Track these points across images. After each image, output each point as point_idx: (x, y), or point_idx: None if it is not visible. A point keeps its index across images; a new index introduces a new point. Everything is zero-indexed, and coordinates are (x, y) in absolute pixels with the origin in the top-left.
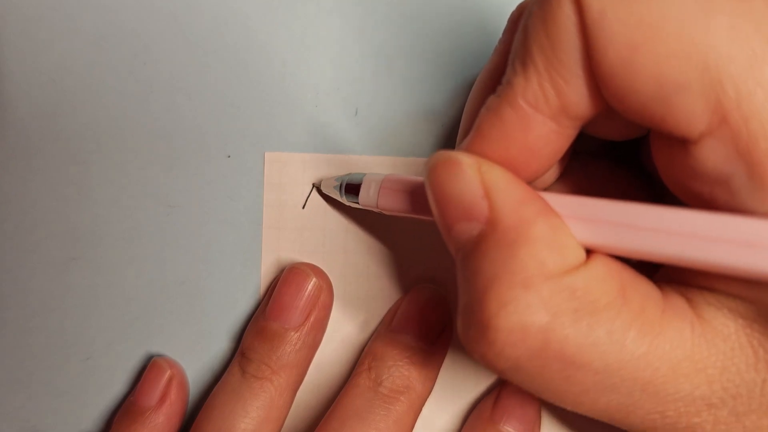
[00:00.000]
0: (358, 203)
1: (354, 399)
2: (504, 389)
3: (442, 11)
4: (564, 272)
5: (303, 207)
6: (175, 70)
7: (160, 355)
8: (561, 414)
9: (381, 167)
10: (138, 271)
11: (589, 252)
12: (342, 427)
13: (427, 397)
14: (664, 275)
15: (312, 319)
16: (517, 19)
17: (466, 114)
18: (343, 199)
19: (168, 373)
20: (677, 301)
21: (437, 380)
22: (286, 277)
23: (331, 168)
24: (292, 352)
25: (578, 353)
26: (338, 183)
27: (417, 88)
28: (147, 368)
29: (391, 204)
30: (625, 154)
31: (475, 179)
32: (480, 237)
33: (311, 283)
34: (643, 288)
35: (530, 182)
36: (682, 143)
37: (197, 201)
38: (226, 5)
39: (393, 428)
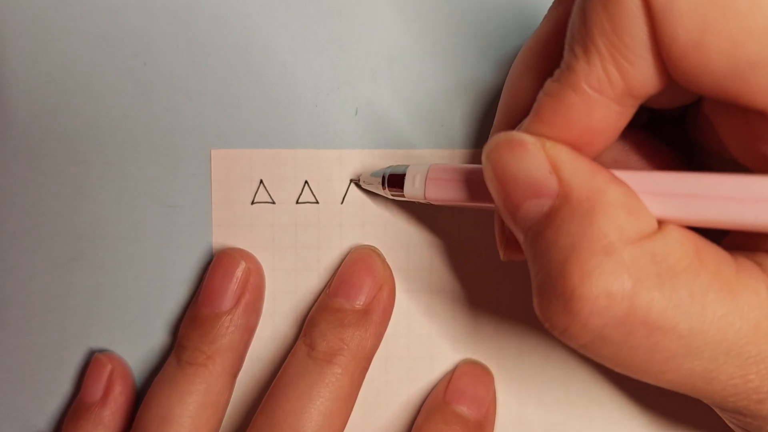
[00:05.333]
0: (402, 196)
1: (289, 367)
2: (456, 371)
3: (443, 11)
4: (643, 237)
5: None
6: (175, 70)
7: (102, 350)
8: (517, 395)
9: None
10: (138, 271)
11: (660, 222)
12: (278, 395)
13: (366, 359)
14: (730, 243)
15: (243, 302)
16: None
17: (508, 91)
18: (386, 192)
19: (109, 368)
20: (748, 264)
21: (393, 367)
22: (214, 264)
23: (278, 163)
24: (225, 336)
25: (663, 317)
26: (379, 176)
27: (417, 88)
28: (89, 365)
29: (440, 193)
30: (660, 123)
31: (541, 156)
32: (552, 211)
33: (240, 267)
34: (715, 251)
35: None
36: (758, 114)
37: (197, 201)
38: (226, 5)
39: (325, 391)
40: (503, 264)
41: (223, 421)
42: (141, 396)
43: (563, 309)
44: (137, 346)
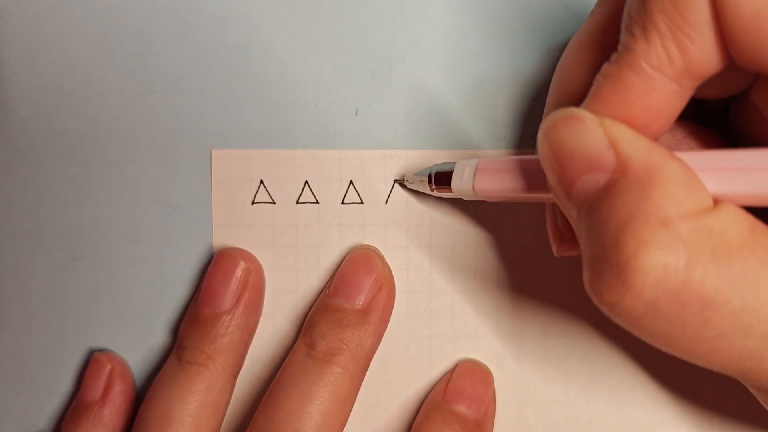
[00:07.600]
0: (449, 192)
1: (289, 367)
2: (456, 371)
3: (443, 11)
4: (700, 213)
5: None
6: (175, 70)
7: (102, 350)
8: (516, 395)
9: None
10: (138, 271)
11: (716, 201)
12: (278, 395)
13: (366, 359)
14: None
15: (243, 301)
16: None
17: (558, 83)
18: (433, 191)
19: (108, 367)
20: None
21: (393, 368)
22: (214, 264)
23: (278, 163)
24: (225, 335)
25: (717, 292)
26: (425, 175)
27: (417, 88)
28: (89, 364)
29: (490, 185)
30: (704, 115)
31: (599, 130)
32: (608, 185)
33: (240, 267)
34: (766, 230)
35: None
36: None
37: (197, 201)
38: (226, 5)
39: (324, 391)
40: (503, 264)
41: (224, 420)
42: (141, 396)
43: (616, 280)
44: (137, 346)
